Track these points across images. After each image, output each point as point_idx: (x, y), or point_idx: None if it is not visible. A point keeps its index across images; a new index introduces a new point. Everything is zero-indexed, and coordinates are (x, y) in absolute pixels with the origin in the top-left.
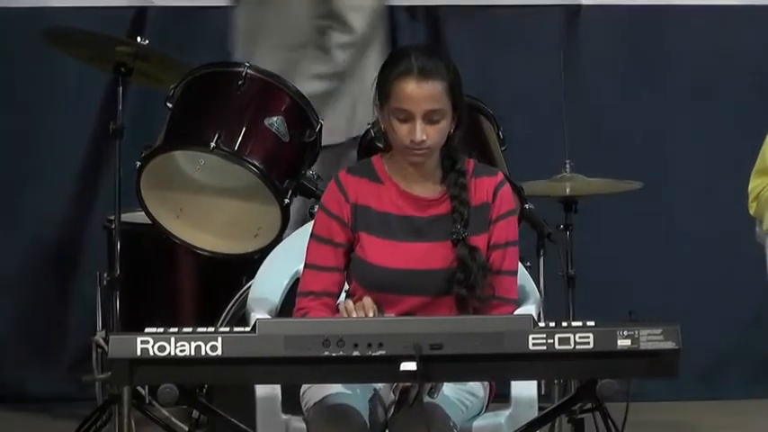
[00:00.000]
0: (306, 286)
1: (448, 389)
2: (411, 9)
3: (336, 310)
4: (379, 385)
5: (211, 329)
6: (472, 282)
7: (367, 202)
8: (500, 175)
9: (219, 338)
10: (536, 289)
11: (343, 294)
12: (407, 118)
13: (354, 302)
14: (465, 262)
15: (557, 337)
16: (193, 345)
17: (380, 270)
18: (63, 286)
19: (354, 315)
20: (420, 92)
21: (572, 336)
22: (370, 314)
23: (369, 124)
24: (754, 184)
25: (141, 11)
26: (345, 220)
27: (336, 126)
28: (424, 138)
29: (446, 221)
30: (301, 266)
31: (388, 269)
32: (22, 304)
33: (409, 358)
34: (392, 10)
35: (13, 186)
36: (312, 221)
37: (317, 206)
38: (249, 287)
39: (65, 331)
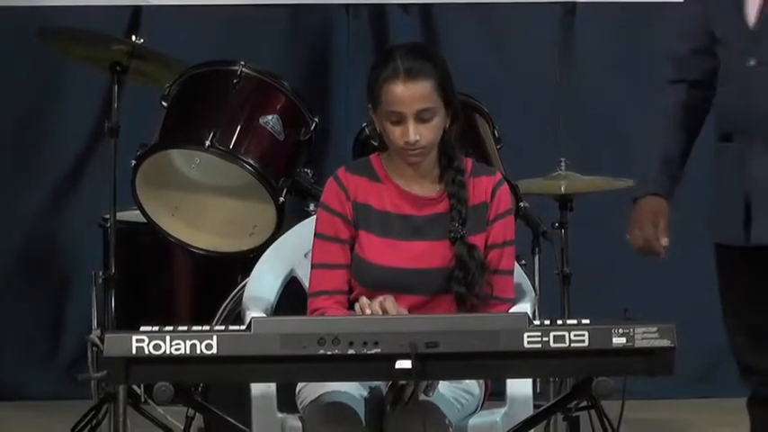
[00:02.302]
0: (317, 286)
1: (443, 387)
2: (405, 7)
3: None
4: (375, 383)
5: (207, 328)
6: (471, 280)
7: (367, 201)
8: (498, 175)
9: (215, 337)
10: (531, 287)
11: None
12: (399, 120)
13: (353, 300)
14: (464, 260)
15: (552, 335)
16: (189, 343)
17: (379, 269)
18: (59, 285)
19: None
20: (408, 93)
21: (567, 334)
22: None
23: (364, 123)
24: None
25: (137, 10)
26: (348, 217)
27: None
28: (418, 138)
29: (445, 220)
30: (297, 265)
31: (386, 268)
32: (17, 303)
33: (405, 356)
34: (385, 8)
35: (9, 185)
36: (305, 220)
37: (317, 206)
38: (244, 285)
39: (60, 330)
